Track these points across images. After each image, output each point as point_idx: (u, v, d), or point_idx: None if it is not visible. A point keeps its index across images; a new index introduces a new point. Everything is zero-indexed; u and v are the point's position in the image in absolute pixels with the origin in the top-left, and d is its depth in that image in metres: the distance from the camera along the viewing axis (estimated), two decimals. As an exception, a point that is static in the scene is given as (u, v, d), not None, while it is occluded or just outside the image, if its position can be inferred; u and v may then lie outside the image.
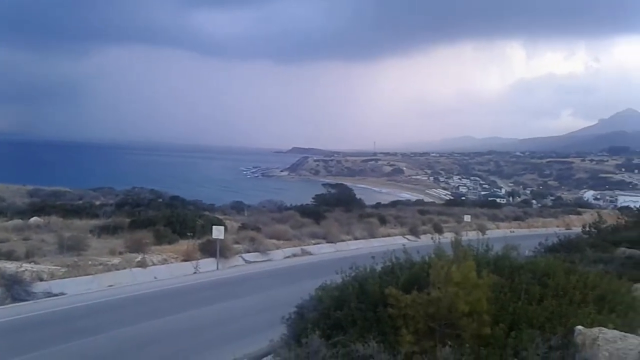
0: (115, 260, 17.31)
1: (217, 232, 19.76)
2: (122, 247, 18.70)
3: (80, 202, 36.83)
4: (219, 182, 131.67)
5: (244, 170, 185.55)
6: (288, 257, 23.43)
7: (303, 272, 19.20)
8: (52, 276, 15.15)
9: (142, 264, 17.66)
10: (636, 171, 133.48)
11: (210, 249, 20.02)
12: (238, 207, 43.78)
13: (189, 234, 21.20)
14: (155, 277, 17.40)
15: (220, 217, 29.64)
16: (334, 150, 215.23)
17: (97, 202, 36.58)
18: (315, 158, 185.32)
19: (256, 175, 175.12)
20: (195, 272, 18.72)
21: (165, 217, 23.91)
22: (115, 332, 11.08)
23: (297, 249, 24.51)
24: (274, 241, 24.44)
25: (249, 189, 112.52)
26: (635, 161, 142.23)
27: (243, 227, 26.31)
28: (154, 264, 18.09)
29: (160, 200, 40.58)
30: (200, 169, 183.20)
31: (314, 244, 26.08)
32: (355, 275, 7.45)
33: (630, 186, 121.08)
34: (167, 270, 18.22)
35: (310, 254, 24.56)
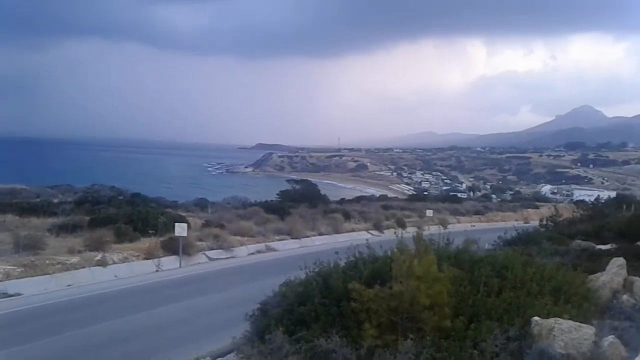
0: (74, 259, 16.86)
1: (180, 230, 19.50)
2: (82, 246, 18.22)
3: (38, 200, 35.77)
4: (182, 179, 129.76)
5: (208, 167, 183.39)
6: (252, 253, 23.31)
7: (267, 268, 19.14)
8: (8, 276, 14.66)
9: (102, 263, 17.27)
10: (591, 166, 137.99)
11: (173, 247, 19.75)
12: (202, 204, 43.28)
13: (150, 231, 20.83)
14: (115, 276, 17.05)
15: (183, 214, 29.26)
16: (298, 146, 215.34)
17: (55, 200, 35.57)
18: (279, 154, 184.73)
19: (220, 171, 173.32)
20: (157, 270, 18.43)
21: (126, 214, 23.44)
22: (74, 333, 10.82)
23: (261, 246, 24.40)
24: (238, 238, 24.26)
25: (213, 186, 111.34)
26: (590, 156, 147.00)
27: (207, 224, 26.02)
28: (114, 263, 17.71)
29: (121, 197, 39.71)
30: (162, 165, 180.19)
31: (279, 240, 26.01)
32: (319, 271, 7.49)
33: (586, 180, 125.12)
34: (128, 268, 17.88)
35: (274, 250, 24.49)
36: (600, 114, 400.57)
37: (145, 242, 19.94)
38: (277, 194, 47.47)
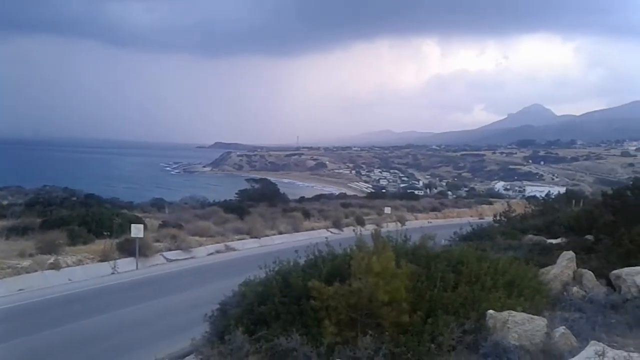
0: (26, 262, 16.28)
1: (136, 231, 19.12)
2: (33, 249, 17.61)
3: (-15, 202, 34.36)
4: (138, 179, 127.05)
5: (165, 166, 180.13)
6: (211, 254, 23.06)
7: (227, 268, 18.99)
8: (-47, 283, 14.07)
9: (55, 266, 16.74)
10: (542, 163, 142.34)
11: (129, 248, 19.34)
12: (158, 205, 42.47)
13: (105, 233, 20.31)
14: (69, 279, 16.56)
15: (140, 215, 28.65)
16: (257, 145, 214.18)
17: (5, 202, 34.29)
18: (238, 153, 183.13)
19: (178, 171, 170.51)
20: (113, 273, 18.01)
21: (79, 216, 22.78)
22: (26, 339, 10.46)
23: (220, 246, 24.17)
24: (197, 238, 23.96)
25: (170, 185, 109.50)
26: (541, 153, 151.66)
27: (164, 224, 25.57)
28: (68, 266, 17.20)
29: (75, 198, 38.60)
30: (117, 165, 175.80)
31: (238, 240, 25.82)
32: (279, 270, 7.50)
33: (537, 177, 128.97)
34: (83, 271, 17.39)
35: (234, 249, 24.30)
36: (550, 113, 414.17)
37: (100, 244, 19.44)
38: (236, 193, 47.11)
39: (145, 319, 12.38)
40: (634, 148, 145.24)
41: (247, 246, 25.38)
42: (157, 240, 21.86)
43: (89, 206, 29.62)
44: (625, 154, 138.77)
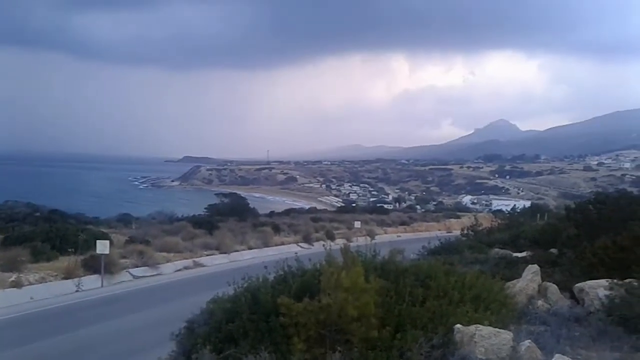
0: (-15, 281, 15.78)
1: (102, 247, 18.72)
2: (-7, 267, 17.08)
3: (-58, 218, 33.14)
4: (104, 194, 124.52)
5: (133, 181, 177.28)
6: (179, 270, 22.72)
7: (195, 285, 18.73)
8: None
9: (16, 284, 16.24)
10: (508, 177, 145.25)
11: (95, 265, 18.90)
12: (125, 220, 41.73)
13: (70, 250, 19.82)
14: (31, 298, 16.06)
15: (106, 230, 28.06)
16: (227, 159, 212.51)
17: (-37, 218, 33.12)
18: (208, 167, 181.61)
19: (146, 185, 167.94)
20: (77, 291, 17.57)
21: (43, 232, 22.19)
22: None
23: (189, 262, 23.83)
24: (164, 254, 23.60)
25: (137, 200, 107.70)
26: (507, 168, 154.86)
27: (130, 240, 25.12)
28: (30, 284, 16.71)
29: (38, 214, 37.58)
30: (83, 179, 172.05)
31: (207, 256, 25.53)
32: (248, 286, 7.41)
33: (503, 191, 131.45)
34: (46, 289, 16.91)
35: (203, 265, 24.00)
36: (515, 128, 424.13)
37: (64, 261, 18.95)
38: (205, 208, 46.74)
39: (110, 338, 12.08)
40: (595, 163, 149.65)
41: (216, 262, 25.10)
42: (124, 257, 21.45)
43: (53, 222, 28.89)
44: (588, 168, 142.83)
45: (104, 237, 21.41)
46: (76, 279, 17.97)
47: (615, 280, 8.65)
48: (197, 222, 33.70)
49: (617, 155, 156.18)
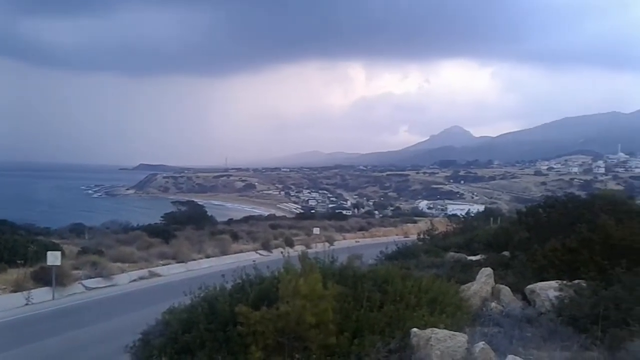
0: None
1: (53, 258, 18.07)
2: None
3: None
4: (55, 203, 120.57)
5: (86, 189, 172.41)
6: (134, 280, 22.18)
7: (151, 295, 18.33)
8: None
9: (-40, 299, 15.51)
10: (462, 182, 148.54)
11: (45, 277, 18.22)
12: (78, 230, 40.51)
13: (19, 261, 19.05)
14: (-23, 313, 15.37)
15: (57, 241, 27.12)
16: (184, 166, 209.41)
17: None
18: (164, 175, 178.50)
19: (99, 194, 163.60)
20: (27, 304, 16.87)
21: (-11, 244, 21.27)
22: None
23: (144, 272, 23.30)
24: (119, 264, 22.99)
25: (91, 209, 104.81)
26: (461, 173, 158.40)
27: (83, 251, 24.37)
28: (-25, 298, 15.99)
29: (-17, 225, 36.01)
30: (34, 189, 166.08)
31: (163, 265, 25.02)
32: (205, 296, 7.32)
33: (458, 195, 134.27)
34: (-7, 303, 16.20)
35: (159, 275, 23.50)
36: (469, 134, 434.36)
37: (13, 274, 18.19)
38: (162, 217, 45.89)
39: (61, 352, 11.67)
40: (545, 167, 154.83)
41: (172, 271, 24.63)
42: (76, 268, 20.79)
43: (1, 233, 27.73)
44: (538, 173, 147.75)
45: (55, 248, 20.68)
46: (26, 292, 17.26)
47: (564, 282, 8.98)
48: (153, 231, 33.00)
49: (565, 160, 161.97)
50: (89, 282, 20.18)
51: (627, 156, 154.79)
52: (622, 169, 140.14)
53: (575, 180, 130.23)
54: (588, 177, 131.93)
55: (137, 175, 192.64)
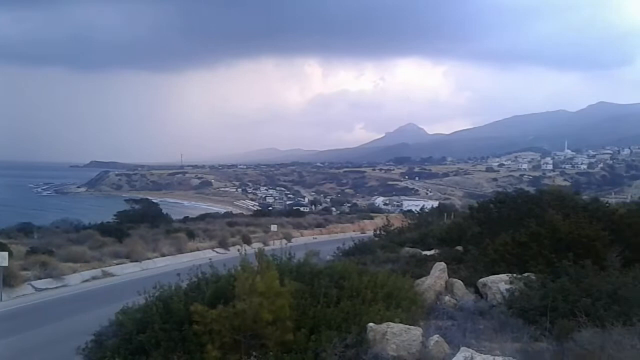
0: None
1: (0, 259, 17.43)
2: None
3: None
4: (1, 202, 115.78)
5: (34, 187, 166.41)
6: (87, 280, 21.60)
7: (104, 296, 17.90)
8: None
9: None
10: (417, 178, 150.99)
11: (-9, 279, 17.55)
12: (26, 229, 38.97)
13: (-38, 263, 18.27)
14: None
15: (4, 241, 26.04)
16: (138, 163, 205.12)
17: None
18: (117, 172, 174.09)
19: (49, 192, 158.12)
20: (-29, 307, 16.22)
21: None
22: None
23: (97, 271, 22.71)
24: (70, 264, 22.32)
25: (39, 208, 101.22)
26: (416, 170, 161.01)
27: (32, 251, 23.51)
28: None
29: None
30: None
31: (117, 265, 24.44)
32: (160, 295, 7.22)
33: (413, 192, 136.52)
34: None
35: (112, 275, 22.96)
36: (423, 132, 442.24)
37: (-45, 276, 17.45)
38: (115, 215, 44.82)
39: (9, 356, 11.27)
40: (496, 164, 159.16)
41: (126, 271, 24.10)
42: (25, 269, 20.08)
43: (-59, 234, 26.53)
44: (490, 169, 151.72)
45: (2, 248, 19.90)
46: (-30, 295, 16.61)
47: (514, 275, 9.28)
48: (106, 229, 32.16)
49: (515, 157, 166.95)
50: (39, 283, 19.54)
51: (573, 153, 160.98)
52: (569, 166, 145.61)
53: (525, 176, 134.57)
54: (537, 173, 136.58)
55: (88, 173, 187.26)
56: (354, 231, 44.53)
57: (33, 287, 19.23)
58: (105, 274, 22.80)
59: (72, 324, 13.20)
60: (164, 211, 50.11)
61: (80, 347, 7.07)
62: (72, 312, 15.69)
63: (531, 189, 29.76)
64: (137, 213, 45.15)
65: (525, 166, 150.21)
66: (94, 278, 22.04)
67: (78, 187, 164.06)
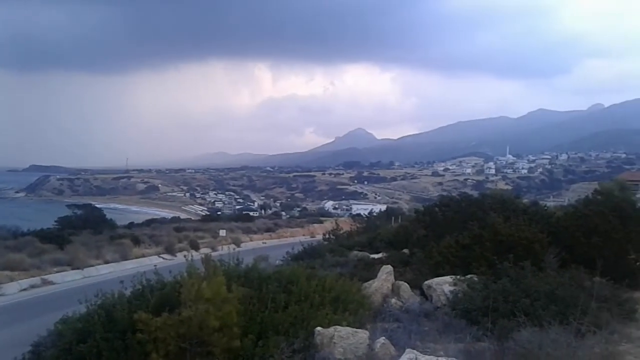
0: None
1: None
2: None
3: None
4: None
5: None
6: (25, 289, 20.68)
7: (43, 305, 17.18)
8: None
9: None
10: (366, 182, 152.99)
11: None
12: (-43, 237, 37.01)
13: None
14: None
15: None
16: (81, 167, 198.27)
17: None
18: (58, 177, 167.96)
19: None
20: None
21: None
22: None
23: (36, 279, 21.78)
24: (7, 273, 21.33)
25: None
26: (365, 174, 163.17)
27: (-36, 259, 22.38)
28: None
29: None
30: None
31: (58, 272, 23.50)
32: (102, 303, 7.01)
33: (362, 196, 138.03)
34: None
35: (52, 283, 22.08)
36: (371, 136, 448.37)
37: None
38: (56, 221, 43.10)
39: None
40: (442, 169, 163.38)
41: (67, 279, 23.23)
42: (-44, 279, 19.06)
43: None
44: (435, 174, 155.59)
45: None
46: None
47: (458, 277, 9.54)
48: (46, 236, 30.90)
49: (460, 162, 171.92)
50: (-28, 294, 18.58)
51: (514, 158, 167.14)
52: (510, 170, 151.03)
53: (469, 180, 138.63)
54: (480, 178, 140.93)
55: (27, 177, 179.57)
56: (303, 235, 44.50)
57: (-35, 297, 18.29)
58: (45, 282, 21.90)
59: (10, 334, 12.62)
60: (108, 217, 48.52)
61: (17, 359, 6.78)
62: (9, 322, 14.98)
63: (475, 193, 30.69)
64: (80, 219, 43.63)
65: (469, 171, 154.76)
66: (32, 287, 21.13)
67: (16, 192, 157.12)
